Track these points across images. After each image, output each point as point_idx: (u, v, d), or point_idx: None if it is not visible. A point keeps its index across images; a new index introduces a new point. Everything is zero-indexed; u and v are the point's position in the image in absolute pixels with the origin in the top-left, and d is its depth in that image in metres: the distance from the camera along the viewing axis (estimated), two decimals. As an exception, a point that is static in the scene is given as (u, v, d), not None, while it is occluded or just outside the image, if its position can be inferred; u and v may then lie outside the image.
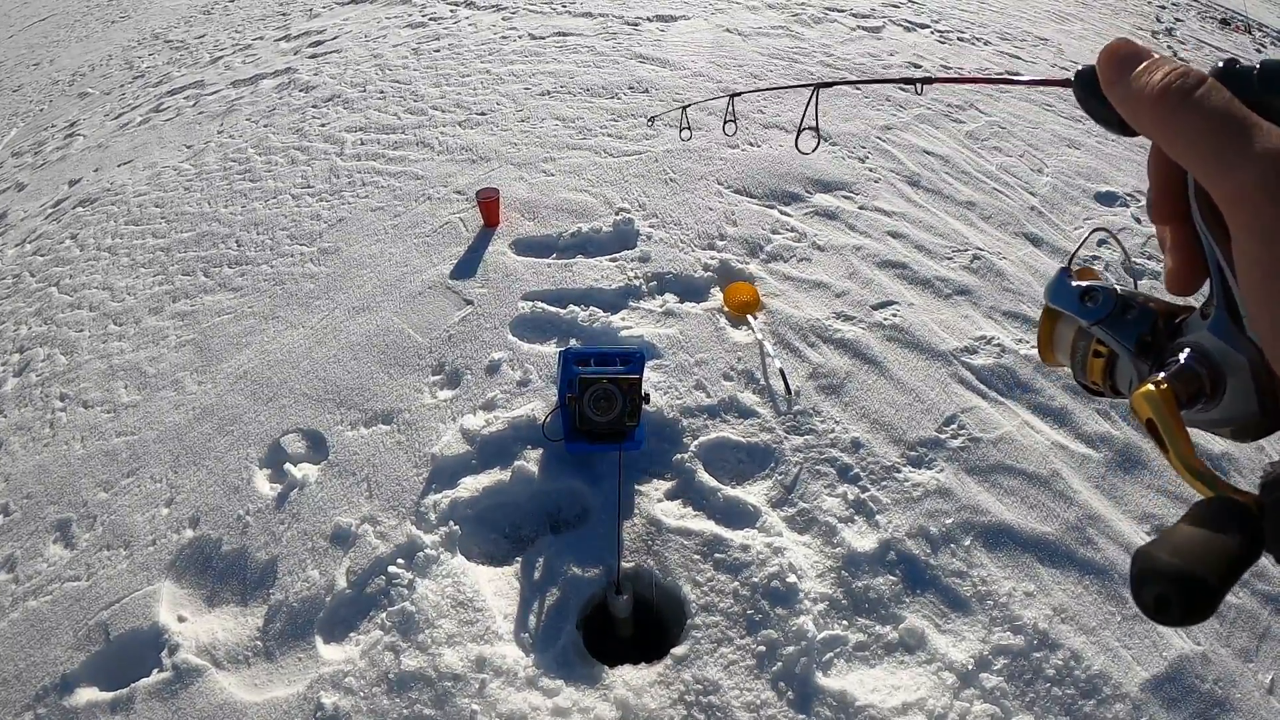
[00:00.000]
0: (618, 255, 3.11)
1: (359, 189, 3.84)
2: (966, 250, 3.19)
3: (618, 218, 3.31)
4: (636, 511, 2.12)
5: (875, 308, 2.83)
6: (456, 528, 2.08)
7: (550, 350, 2.65)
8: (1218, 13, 9.10)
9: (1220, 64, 0.30)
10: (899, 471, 2.22)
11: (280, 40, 6.59)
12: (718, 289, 2.93)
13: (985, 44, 5.77)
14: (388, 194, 3.76)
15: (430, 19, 6.20)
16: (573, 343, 2.66)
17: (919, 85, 1.15)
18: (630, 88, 4.54)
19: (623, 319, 2.78)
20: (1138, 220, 3.65)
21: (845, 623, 1.87)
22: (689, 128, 2.68)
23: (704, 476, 2.20)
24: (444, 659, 1.79)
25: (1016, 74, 5.00)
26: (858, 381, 2.52)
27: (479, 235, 3.31)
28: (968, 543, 2.04)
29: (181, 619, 1.98)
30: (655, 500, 2.15)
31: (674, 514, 2.12)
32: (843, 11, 5.97)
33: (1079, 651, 1.81)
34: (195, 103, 5.63)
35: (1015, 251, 3.24)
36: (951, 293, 2.94)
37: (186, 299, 3.29)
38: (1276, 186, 0.26)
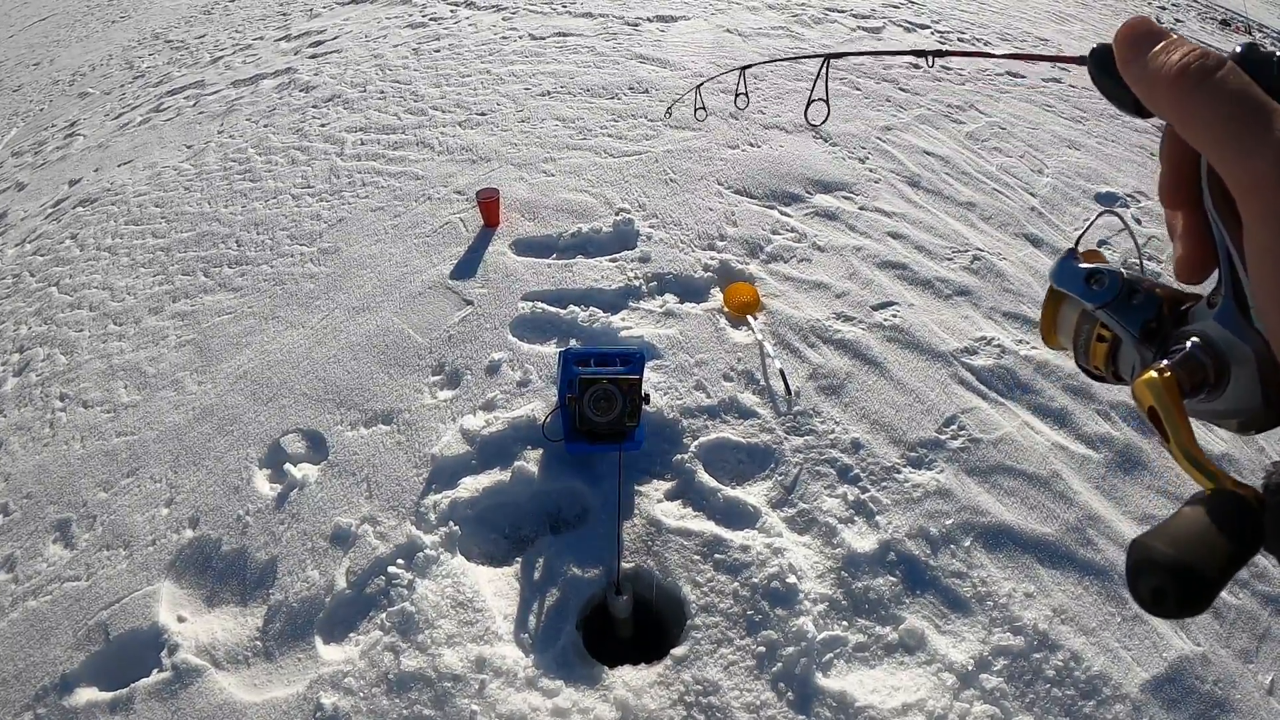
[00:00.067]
0: (618, 255, 3.11)
1: (359, 189, 3.84)
2: (967, 251, 3.19)
3: (618, 218, 3.31)
4: (636, 512, 2.12)
5: (875, 308, 2.83)
6: (456, 528, 2.08)
7: (550, 350, 2.65)
8: (1218, 14, 9.10)
9: (1240, 48, 0.29)
10: (899, 472, 2.22)
11: (280, 40, 6.59)
12: (718, 289, 2.93)
13: (985, 44, 5.77)
14: (388, 194, 3.76)
15: (430, 19, 6.20)
16: (573, 343, 2.66)
17: (930, 58, 1.15)
18: (630, 88, 4.54)
19: (623, 319, 2.77)
20: (1138, 221, 3.65)
21: (845, 623, 1.87)
22: (704, 106, 2.67)
23: (704, 477, 2.20)
24: (444, 659, 1.78)
25: (1018, 74, 5.00)
26: (858, 382, 2.51)
27: (479, 235, 3.31)
28: (968, 543, 2.04)
29: (181, 619, 1.98)
30: (655, 501, 2.15)
31: (674, 514, 2.12)
32: (843, 12, 5.97)
33: (1079, 652, 1.81)
34: (195, 103, 5.63)
35: (1015, 252, 3.24)
36: (952, 293, 2.94)
37: (186, 299, 3.29)
38: None
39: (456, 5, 6.46)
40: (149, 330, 3.14)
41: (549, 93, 4.56)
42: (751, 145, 3.90)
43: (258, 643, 1.92)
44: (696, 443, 2.30)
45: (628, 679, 1.76)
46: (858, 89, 4.56)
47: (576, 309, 2.81)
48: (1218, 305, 0.31)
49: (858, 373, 2.55)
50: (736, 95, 2.31)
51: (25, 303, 3.63)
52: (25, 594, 2.13)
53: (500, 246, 3.22)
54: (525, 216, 3.41)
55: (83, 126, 5.96)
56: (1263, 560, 2.03)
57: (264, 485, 2.32)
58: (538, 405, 2.42)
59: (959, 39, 5.77)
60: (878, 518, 2.10)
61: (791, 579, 1.92)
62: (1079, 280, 0.38)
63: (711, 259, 3.06)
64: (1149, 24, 0.31)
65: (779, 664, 1.77)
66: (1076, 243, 0.40)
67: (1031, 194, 3.73)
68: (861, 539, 2.04)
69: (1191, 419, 0.31)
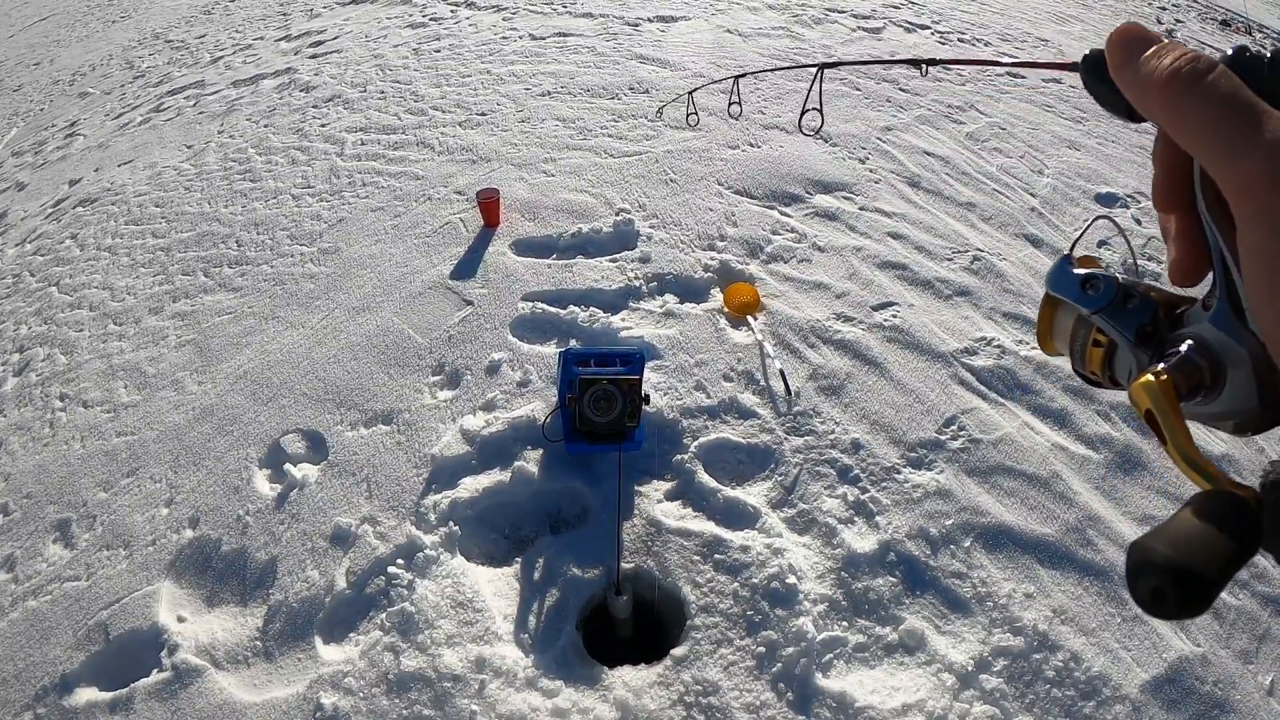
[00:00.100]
0: (618, 256, 3.11)
1: (359, 189, 3.84)
2: (967, 251, 3.19)
3: (618, 218, 3.31)
4: (636, 512, 2.12)
5: (875, 309, 2.83)
6: (456, 528, 2.08)
7: (550, 351, 2.65)
8: (1218, 14, 9.10)
9: (1231, 51, 0.29)
10: (899, 473, 2.22)
11: (281, 40, 6.59)
12: (718, 290, 2.93)
13: (986, 45, 5.77)
14: (388, 194, 3.76)
15: (431, 19, 6.20)
16: (573, 343, 2.66)
17: (924, 67, 1.16)
18: (631, 88, 4.54)
19: (623, 320, 2.78)
20: (1138, 222, 3.65)
21: (845, 624, 1.87)
22: (696, 112, 2.67)
23: (704, 477, 2.20)
24: (443, 659, 1.79)
25: (1018, 75, 5.00)
26: (858, 382, 2.52)
27: (479, 236, 3.31)
28: (968, 544, 2.04)
29: (181, 619, 1.98)
30: (655, 501, 2.15)
31: (674, 515, 2.12)
32: (843, 12, 5.97)
33: (1079, 653, 1.81)
34: (196, 103, 5.63)
35: (1015, 253, 3.24)
36: (952, 294, 2.94)
37: (186, 299, 3.29)
38: None
39: (457, 5, 6.46)
40: (149, 330, 3.14)
41: (549, 93, 4.56)
42: (752, 145, 3.90)
43: (258, 643, 1.92)
44: (696, 443, 2.30)
45: (628, 679, 1.76)
46: (858, 89, 4.56)
47: (576, 309, 2.81)
48: (1213, 308, 0.32)
49: (858, 373, 2.55)
50: (730, 104, 2.31)
51: (25, 302, 3.63)
52: (25, 594, 2.13)
53: (500, 247, 3.22)
54: (525, 217, 3.41)
55: (83, 126, 5.96)
56: (1263, 561, 2.03)
57: (264, 485, 2.32)
58: (538, 405, 2.42)
59: (959, 39, 5.77)
60: (878, 518, 2.10)
61: (791, 579, 1.92)
62: (1074, 286, 0.38)
63: (711, 259, 3.06)
64: (1140, 29, 0.31)
65: (779, 664, 1.77)
66: (1071, 248, 0.41)
67: (1032, 194, 3.73)
68: (861, 539, 2.04)
69: (1189, 421, 0.31)
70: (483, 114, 4.40)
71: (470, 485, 2.20)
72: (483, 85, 4.77)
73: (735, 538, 2.03)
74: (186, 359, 2.91)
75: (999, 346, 2.67)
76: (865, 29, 5.69)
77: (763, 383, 2.50)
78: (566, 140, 4.02)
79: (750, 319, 2.75)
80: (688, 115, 2.74)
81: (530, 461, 2.25)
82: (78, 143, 5.62)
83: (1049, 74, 5.03)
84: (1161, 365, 0.32)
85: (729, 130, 4.02)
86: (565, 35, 5.43)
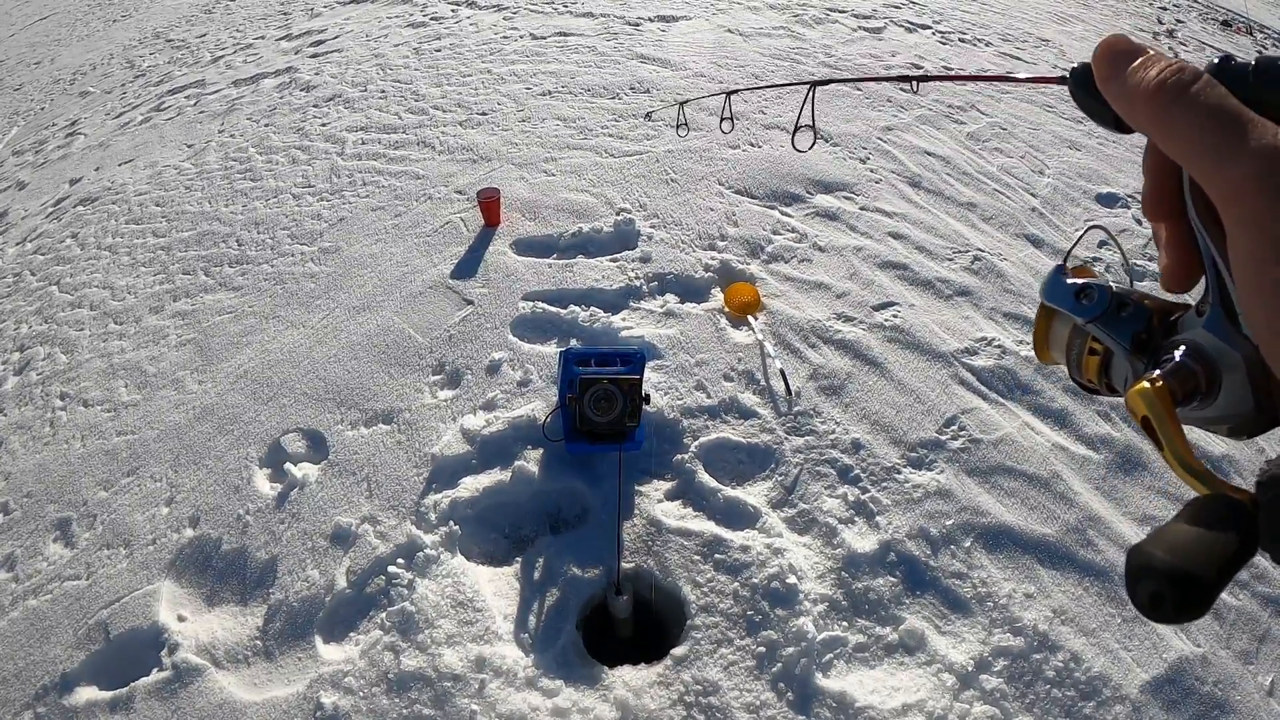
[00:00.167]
0: (618, 255, 3.11)
1: (360, 188, 3.84)
2: (967, 251, 3.19)
3: (618, 218, 3.31)
4: (637, 512, 2.12)
5: (876, 309, 2.83)
6: (456, 528, 2.08)
7: (551, 350, 2.65)
8: (1219, 14, 9.10)
9: (1215, 60, 0.29)
10: (899, 473, 2.22)
11: (281, 39, 6.59)
12: (718, 289, 2.93)
13: (986, 45, 5.77)
14: (388, 194, 3.76)
15: (431, 19, 6.20)
16: (573, 343, 2.66)
17: (914, 84, 1.16)
18: (631, 88, 4.54)
19: (623, 319, 2.77)
20: (1138, 222, 3.65)
21: (845, 624, 1.87)
22: (685, 123, 2.67)
23: (704, 477, 2.20)
24: (444, 659, 1.79)
25: (1017, 75, 5.00)
26: (858, 382, 2.51)
27: (480, 235, 3.31)
28: (968, 544, 2.04)
29: (181, 618, 1.98)
30: (655, 501, 2.15)
31: (674, 514, 2.12)
32: (844, 12, 5.97)
33: (1079, 653, 1.81)
34: (196, 102, 5.63)
35: (1016, 253, 3.24)
36: (952, 294, 2.94)
37: (187, 298, 3.29)
38: (1271, 182, 0.25)
39: (457, 5, 6.46)
40: (149, 329, 3.14)
41: (550, 92, 4.56)
42: (752, 145, 3.90)
43: (258, 642, 1.92)
44: (697, 443, 2.30)
45: (628, 679, 1.76)
46: (858, 89, 4.56)
47: (577, 309, 2.81)
48: (1206, 313, 0.32)
49: (858, 373, 2.55)
50: (722, 120, 2.31)
51: (26, 301, 3.63)
52: (25, 593, 2.13)
53: (501, 246, 3.22)
54: (526, 216, 3.41)
55: (84, 125, 5.96)
56: (1263, 561, 2.03)
57: (264, 485, 2.32)
58: (538, 405, 2.42)
59: (960, 39, 5.77)
60: (878, 518, 2.10)
61: (791, 579, 1.92)
62: (1069, 296, 0.39)
63: (712, 259, 3.06)
64: (1126, 41, 0.31)
65: (779, 664, 1.77)
66: (1065, 258, 0.41)
67: (1032, 194, 3.73)
68: (862, 539, 2.04)
69: (1185, 426, 0.31)
70: (483, 113, 4.40)
71: (470, 485, 2.20)
72: (483, 85, 4.77)
73: (735, 537, 2.03)
74: (187, 358, 2.91)
75: (999, 347, 2.67)
76: (866, 29, 5.69)
77: (763, 382, 2.50)
78: (567, 140, 4.02)
79: (751, 319, 2.75)
80: (677, 127, 2.74)
81: (530, 461, 2.25)
82: (78, 142, 5.62)
83: (1050, 74, 5.02)
84: (1157, 372, 0.32)
85: (729, 130, 4.02)
86: (566, 35, 5.43)
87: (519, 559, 2.05)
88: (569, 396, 2.09)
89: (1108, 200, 3.78)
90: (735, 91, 2.20)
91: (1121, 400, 0.34)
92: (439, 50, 5.46)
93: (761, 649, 1.80)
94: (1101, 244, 3.27)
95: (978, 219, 3.46)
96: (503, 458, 2.27)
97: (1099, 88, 0.32)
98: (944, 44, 5.64)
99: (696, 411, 2.39)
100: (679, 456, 2.26)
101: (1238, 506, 0.27)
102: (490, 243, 3.25)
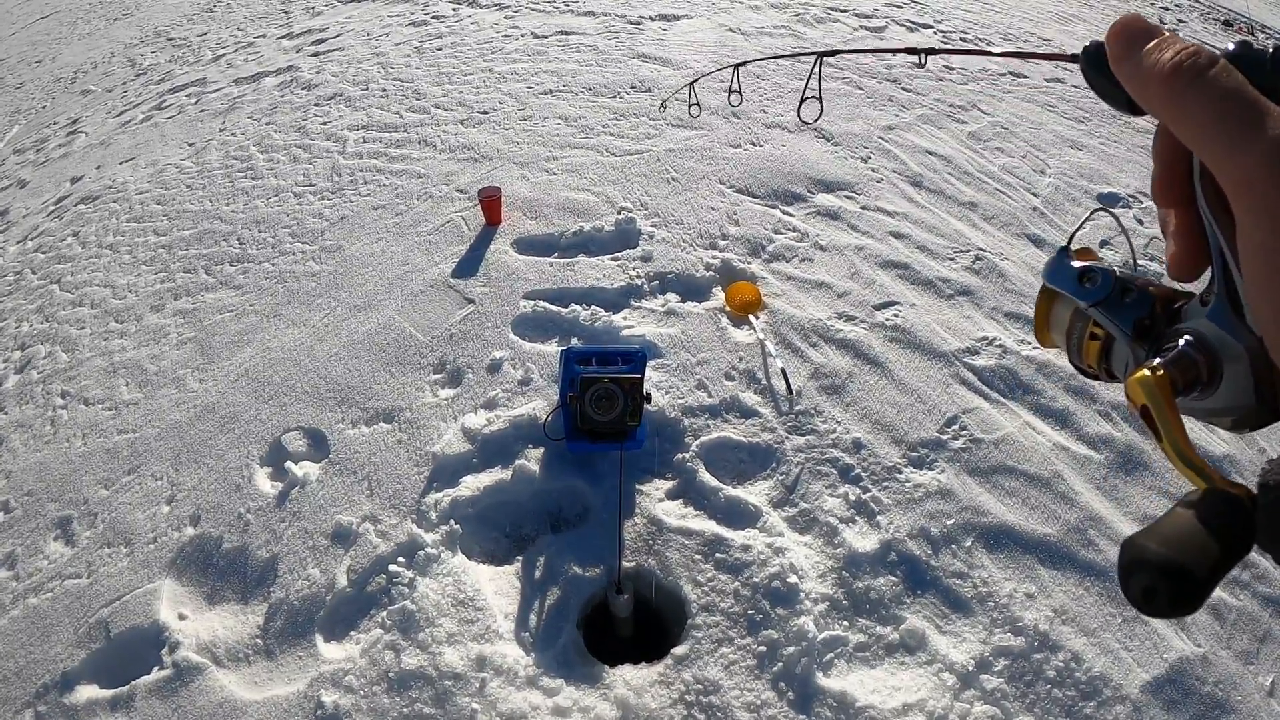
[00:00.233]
0: (620, 254, 3.11)
1: (361, 187, 3.84)
2: (969, 251, 3.18)
3: (620, 217, 3.31)
4: (637, 511, 2.12)
5: (877, 308, 2.83)
6: (457, 526, 2.08)
7: (552, 349, 2.65)
8: (1220, 14, 9.09)
9: (1233, 45, 0.29)
10: (900, 472, 2.22)
11: (282, 38, 6.59)
12: (719, 289, 2.93)
13: (988, 44, 5.76)
14: (390, 192, 3.75)
15: (433, 17, 6.19)
16: (574, 342, 2.66)
17: (923, 56, 1.15)
18: (633, 87, 4.53)
19: (624, 318, 2.77)
20: (1140, 222, 3.65)
21: (846, 623, 1.87)
22: (698, 103, 2.66)
23: (705, 476, 2.20)
24: (444, 658, 1.79)
25: (1020, 74, 5.00)
26: (859, 382, 2.51)
27: (481, 234, 3.31)
28: (969, 544, 2.03)
29: (182, 617, 1.98)
30: (656, 500, 2.15)
31: (675, 513, 2.11)
32: (845, 11, 5.96)
33: (1080, 653, 1.80)
34: (197, 100, 5.63)
35: (1017, 252, 3.24)
36: (953, 293, 2.93)
37: (188, 296, 3.29)
38: None
39: (459, 3, 6.46)
40: (150, 328, 3.14)
41: (551, 91, 4.56)
42: (753, 144, 3.90)
43: (258, 640, 1.92)
44: (698, 442, 2.29)
45: (628, 678, 1.76)
46: (860, 88, 4.55)
47: (578, 308, 2.81)
48: (1210, 303, 0.31)
49: (859, 372, 2.55)
50: (730, 92, 2.31)
51: (27, 300, 3.64)
52: (26, 591, 2.13)
53: (502, 245, 3.22)
54: (527, 215, 3.41)
55: (85, 124, 5.96)
56: (1263, 561, 2.03)
57: (265, 483, 2.32)
58: (539, 404, 2.42)
59: (961, 39, 5.77)
60: (879, 517, 2.09)
61: (792, 578, 1.91)
62: (1072, 278, 0.38)
63: (713, 258, 3.06)
64: (1141, 21, 0.31)
65: (780, 664, 1.77)
66: (1069, 241, 0.40)
67: (1034, 194, 3.72)
68: (862, 539, 2.04)
69: (1185, 417, 0.31)
70: (484, 112, 4.40)
71: (471, 484, 2.20)
72: (484, 83, 4.77)
73: (736, 537, 2.03)
74: (188, 357, 2.91)
75: (1000, 346, 2.66)
76: (867, 28, 5.68)
77: (764, 382, 2.50)
78: (568, 139, 4.01)
79: (752, 318, 2.74)
80: (689, 106, 2.73)
81: (531, 460, 2.24)
82: (79, 140, 5.62)
83: (1051, 73, 5.03)
84: (1158, 360, 0.32)
85: (731, 129, 4.02)
86: (567, 33, 5.43)
87: (520, 558, 2.05)
88: (570, 395, 2.09)
89: (1109, 200, 3.78)
90: (744, 64, 2.20)
91: (1121, 390, 0.34)
92: (440, 49, 5.45)
93: (762, 648, 1.80)
94: (1104, 244, 3.26)
95: (979, 218, 3.45)
96: (504, 456, 2.27)
97: (1111, 67, 0.31)
98: (945, 42, 5.64)
99: (697, 410, 2.39)
100: (680, 455, 2.26)
101: (1234, 501, 0.27)
102: (491, 241, 3.25)
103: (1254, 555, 0.26)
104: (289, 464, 2.33)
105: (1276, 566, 1.99)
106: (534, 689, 1.73)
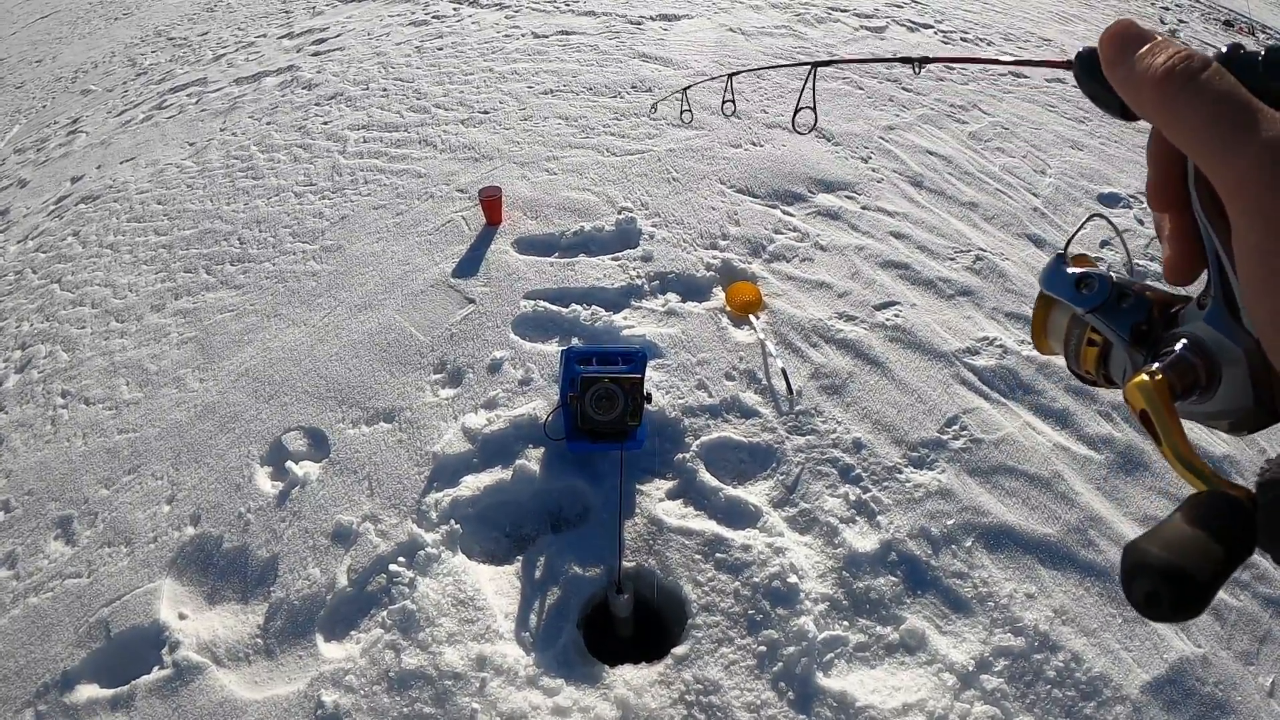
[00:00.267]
0: (620, 254, 3.11)
1: (361, 187, 3.84)
2: (969, 251, 3.18)
3: (620, 217, 3.31)
4: (638, 511, 2.12)
5: (877, 308, 2.83)
6: (458, 526, 2.08)
7: (552, 349, 2.65)
8: (1221, 14, 9.08)
9: (1225, 49, 0.29)
10: (900, 472, 2.22)
11: (283, 38, 6.59)
12: (720, 288, 2.93)
13: (989, 44, 5.76)
14: (390, 192, 3.76)
15: (433, 17, 6.20)
16: (575, 341, 2.66)
17: (917, 65, 1.15)
18: (633, 86, 4.53)
19: (625, 318, 2.77)
20: (1140, 222, 3.65)
21: (846, 623, 1.87)
22: (689, 109, 2.66)
23: (705, 476, 2.20)
24: (444, 657, 1.79)
25: (1020, 74, 4.99)
26: (860, 382, 2.51)
27: (481, 234, 3.31)
28: (969, 544, 2.03)
29: (182, 616, 1.98)
30: (656, 500, 2.15)
31: (675, 513, 2.11)
32: (846, 11, 5.96)
33: (1080, 653, 1.80)
34: (198, 100, 5.63)
35: (1018, 252, 3.24)
36: (954, 293, 2.93)
37: (188, 296, 3.29)
38: (1279, 175, 0.25)
39: (459, 3, 6.45)
40: (151, 327, 3.15)
41: (552, 91, 4.56)
42: (754, 144, 3.90)
43: (259, 640, 1.92)
44: (698, 442, 2.29)
45: (628, 678, 1.76)
46: (860, 88, 4.55)
47: (578, 307, 2.81)
48: (1207, 306, 0.31)
49: (859, 372, 2.55)
50: (724, 102, 2.31)
51: (27, 299, 3.64)
52: (26, 590, 2.13)
53: (502, 245, 3.22)
54: (527, 215, 3.41)
55: (85, 123, 5.96)
56: (1263, 562, 2.03)
57: (265, 483, 2.32)
58: (539, 404, 2.42)
59: (962, 39, 5.76)
60: (879, 518, 2.09)
61: (793, 578, 1.91)
62: (1068, 285, 0.38)
63: (714, 258, 3.06)
64: (1134, 26, 0.31)
65: (780, 663, 1.77)
66: (1065, 247, 0.40)
67: (1034, 194, 3.72)
68: (863, 539, 2.04)
69: (1184, 420, 0.31)
70: (485, 112, 4.40)
71: (472, 483, 2.20)
72: (485, 83, 4.77)
73: (736, 537, 2.03)
74: (188, 356, 2.92)
75: (1001, 346, 2.66)
76: (868, 28, 5.68)
77: (764, 382, 2.50)
78: (569, 138, 4.01)
79: (752, 318, 2.74)
80: (681, 112, 2.74)
81: (532, 460, 2.25)
82: (80, 140, 5.62)
83: (1051, 73, 5.02)
84: (1156, 365, 0.32)
85: (731, 129, 4.02)
86: (568, 33, 5.43)
87: (520, 558, 2.05)
88: (570, 395, 2.09)
89: (1110, 200, 3.78)
90: (737, 73, 2.20)
91: (1120, 394, 0.34)
92: (441, 49, 5.45)
93: (762, 648, 1.80)
94: (1104, 244, 3.26)
95: (979, 218, 3.45)
96: (504, 456, 2.27)
97: (1105, 73, 0.31)
98: (946, 43, 5.64)
99: (698, 410, 2.39)
100: (680, 455, 2.26)
101: (1235, 504, 0.27)
102: (492, 241, 3.25)
103: (1254, 556, 0.26)
104: (289, 463, 2.33)
105: (1276, 566, 1.99)
106: (534, 689, 1.73)
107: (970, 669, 1.77)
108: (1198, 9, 9.18)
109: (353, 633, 1.89)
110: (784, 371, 2.48)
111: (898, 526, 2.07)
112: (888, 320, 2.77)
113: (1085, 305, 0.37)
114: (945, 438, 2.33)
